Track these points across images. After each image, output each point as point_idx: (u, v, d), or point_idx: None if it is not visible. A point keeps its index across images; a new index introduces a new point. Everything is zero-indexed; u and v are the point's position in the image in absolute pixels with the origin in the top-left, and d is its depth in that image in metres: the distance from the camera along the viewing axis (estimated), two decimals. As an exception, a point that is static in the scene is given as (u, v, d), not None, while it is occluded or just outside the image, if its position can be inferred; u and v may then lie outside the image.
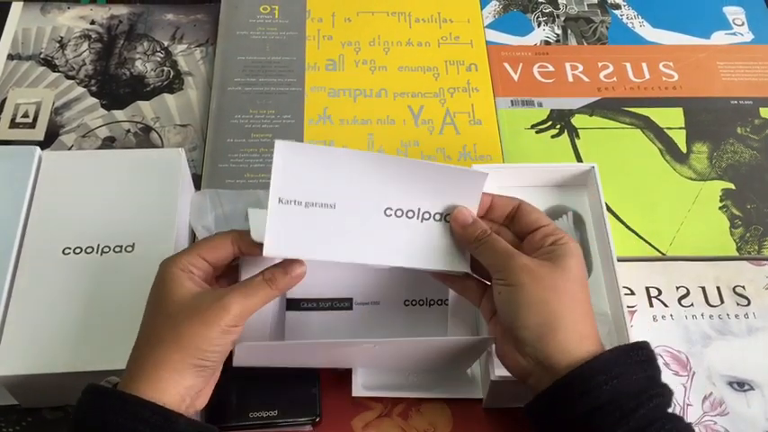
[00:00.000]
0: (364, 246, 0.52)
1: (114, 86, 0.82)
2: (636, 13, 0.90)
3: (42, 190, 0.63)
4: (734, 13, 0.90)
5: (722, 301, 0.68)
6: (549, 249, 0.51)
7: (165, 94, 0.81)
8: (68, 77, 0.82)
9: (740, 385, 0.64)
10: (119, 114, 0.79)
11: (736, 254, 0.71)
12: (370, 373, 0.62)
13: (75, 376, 0.53)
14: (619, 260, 0.63)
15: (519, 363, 0.50)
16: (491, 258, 0.52)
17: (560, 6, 0.91)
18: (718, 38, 0.88)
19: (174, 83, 0.82)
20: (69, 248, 0.60)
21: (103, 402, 0.46)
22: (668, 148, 0.78)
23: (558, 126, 0.79)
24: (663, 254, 0.71)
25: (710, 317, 0.67)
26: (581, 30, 0.89)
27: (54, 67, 0.83)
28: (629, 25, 0.89)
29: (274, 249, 0.48)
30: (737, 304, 0.68)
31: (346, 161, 0.50)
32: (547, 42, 0.87)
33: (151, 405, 0.45)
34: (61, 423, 0.60)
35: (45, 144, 0.76)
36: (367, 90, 0.81)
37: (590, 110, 0.81)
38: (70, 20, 0.87)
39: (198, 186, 0.72)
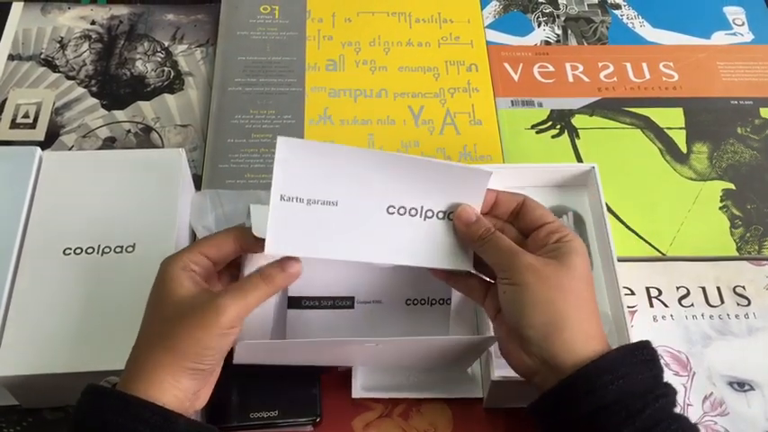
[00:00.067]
0: (366, 244, 0.51)
1: (115, 87, 0.82)
2: (636, 13, 0.90)
3: (43, 190, 0.63)
4: (734, 13, 0.90)
5: (722, 302, 0.68)
6: (553, 247, 0.51)
7: (165, 95, 0.81)
8: (69, 78, 0.82)
9: (740, 385, 0.64)
10: (119, 115, 0.79)
11: (737, 254, 0.71)
12: (370, 374, 0.62)
13: (76, 376, 0.53)
14: (619, 260, 0.64)
15: (524, 362, 0.50)
16: (495, 257, 0.51)
17: (560, 6, 0.91)
18: (719, 38, 0.88)
19: (174, 83, 0.82)
20: (70, 249, 0.60)
21: (103, 402, 0.46)
22: (668, 148, 0.78)
23: (559, 126, 0.79)
24: (663, 254, 0.71)
25: (711, 317, 0.67)
26: (581, 30, 0.89)
27: (54, 68, 0.83)
28: (630, 25, 0.89)
29: (276, 247, 0.48)
30: (738, 304, 0.68)
31: (349, 158, 0.50)
32: (547, 42, 0.87)
33: (151, 405, 0.45)
34: (62, 423, 0.60)
35: (45, 144, 0.76)
36: (367, 90, 0.81)
37: (590, 110, 0.81)
38: (71, 20, 0.87)
39: (198, 187, 0.72)
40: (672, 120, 0.80)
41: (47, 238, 0.60)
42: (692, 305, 0.68)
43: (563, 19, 0.90)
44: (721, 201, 0.75)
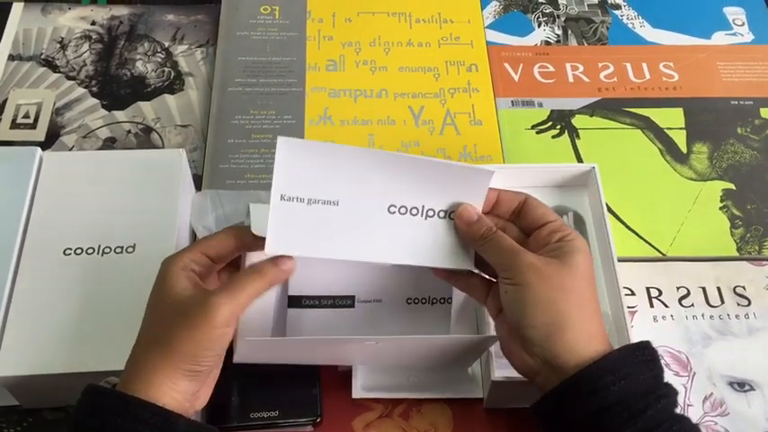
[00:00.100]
0: (367, 243, 0.51)
1: (115, 87, 0.82)
2: (636, 14, 0.90)
3: (43, 191, 0.63)
4: (734, 13, 0.90)
5: (722, 302, 0.68)
6: (555, 246, 0.51)
7: (165, 95, 0.81)
8: (69, 78, 0.82)
9: (740, 385, 0.64)
10: (119, 115, 0.79)
11: (737, 254, 0.71)
12: (370, 374, 0.62)
13: (76, 377, 0.53)
14: (619, 260, 0.64)
15: (526, 361, 0.50)
16: (497, 257, 0.51)
17: (561, 7, 0.91)
18: (719, 38, 0.88)
19: (174, 83, 0.82)
20: (70, 249, 0.60)
21: (103, 403, 0.46)
22: (668, 148, 0.78)
23: (559, 126, 0.79)
24: (663, 254, 0.71)
25: (711, 317, 0.67)
26: (581, 30, 0.89)
27: (55, 68, 0.83)
28: (630, 26, 0.89)
29: (276, 247, 0.48)
30: (738, 304, 0.68)
31: (349, 158, 0.50)
32: (547, 43, 0.87)
33: (151, 406, 0.45)
34: (62, 424, 0.60)
35: (46, 145, 0.76)
36: (367, 90, 0.81)
37: (590, 110, 0.81)
38: (71, 20, 0.87)
39: (198, 187, 0.72)
40: (672, 120, 0.80)
41: (47, 239, 0.60)
42: (693, 305, 0.68)
43: (563, 19, 0.90)
44: (721, 201, 0.75)
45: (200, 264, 0.50)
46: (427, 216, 0.52)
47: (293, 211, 0.49)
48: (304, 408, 0.60)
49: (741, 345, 0.66)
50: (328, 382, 0.62)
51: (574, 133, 0.79)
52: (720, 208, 0.74)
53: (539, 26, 0.89)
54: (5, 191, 0.62)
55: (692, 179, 0.76)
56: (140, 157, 0.67)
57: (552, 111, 0.81)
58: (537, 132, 0.79)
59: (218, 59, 0.83)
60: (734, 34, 0.88)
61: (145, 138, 0.78)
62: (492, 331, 0.55)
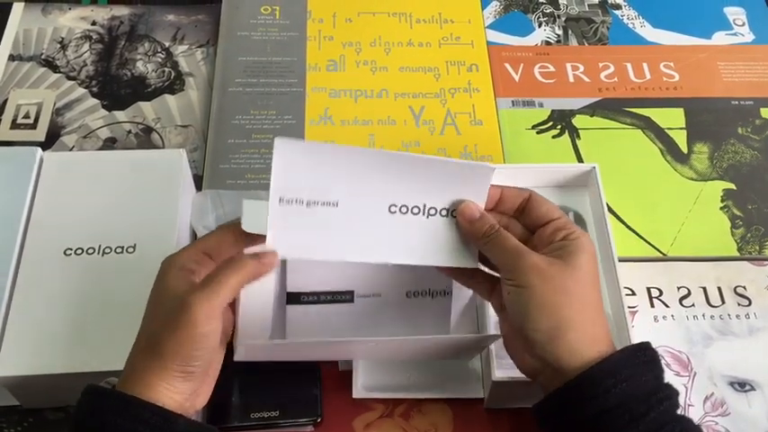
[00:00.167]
0: (369, 244, 0.51)
1: (115, 87, 0.82)
2: (636, 14, 0.90)
3: (43, 191, 0.63)
4: (734, 13, 0.90)
5: (723, 302, 0.68)
6: (559, 245, 0.50)
7: (166, 95, 0.81)
8: (69, 78, 0.82)
9: (741, 385, 0.64)
10: (120, 115, 0.79)
11: (737, 254, 0.71)
12: (371, 374, 0.62)
13: (77, 377, 0.53)
14: (620, 260, 0.64)
15: (528, 361, 0.49)
16: (499, 257, 0.51)
17: (561, 7, 0.91)
18: (719, 38, 0.88)
19: (174, 83, 0.82)
20: (71, 249, 0.60)
21: (102, 403, 0.45)
22: (669, 148, 0.78)
23: (559, 126, 0.79)
24: (664, 254, 0.71)
25: (711, 317, 0.67)
26: (582, 30, 0.89)
27: (55, 68, 0.83)
28: (630, 26, 0.89)
29: (276, 250, 0.48)
30: (738, 304, 0.68)
31: (348, 158, 0.49)
32: (548, 43, 0.87)
33: (151, 406, 0.45)
34: (62, 424, 0.60)
35: (46, 145, 0.76)
36: (368, 90, 0.81)
37: (591, 110, 0.81)
38: (71, 21, 0.87)
39: (199, 187, 0.72)
40: (672, 120, 0.80)
41: (47, 239, 0.60)
42: (693, 305, 0.68)
43: (563, 19, 0.90)
44: (722, 201, 0.75)
45: (200, 262, 0.50)
46: (429, 215, 0.52)
47: (292, 213, 0.48)
48: (304, 407, 0.60)
49: (742, 345, 0.66)
50: (329, 381, 0.62)
51: (574, 133, 0.79)
52: (721, 208, 0.74)
53: (539, 26, 0.89)
54: (6, 191, 0.62)
55: (692, 179, 0.76)
56: (141, 157, 0.67)
57: (553, 111, 0.81)
58: (537, 132, 0.79)
59: (218, 59, 0.83)
60: (734, 34, 0.88)
61: (145, 138, 0.78)
62: (492, 327, 0.55)
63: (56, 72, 0.82)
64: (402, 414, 0.62)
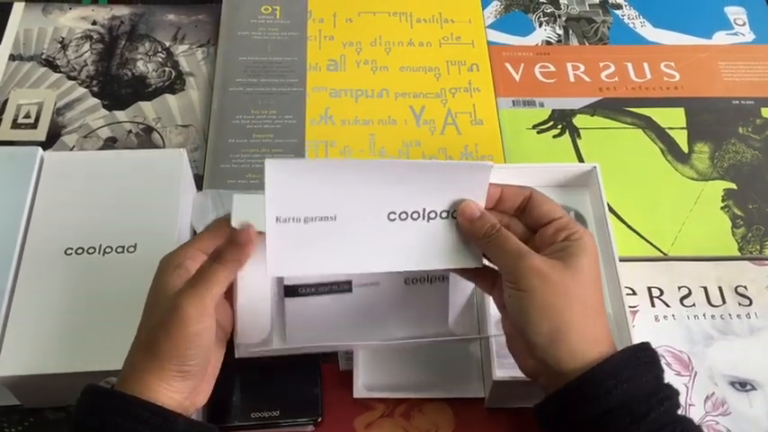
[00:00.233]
0: (371, 254, 0.51)
1: (116, 87, 0.82)
2: (637, 13, 0.90)
3: (44, 190, 0.63)
4: (735, 13, 0.90)
5: (724, 301, 0.68)
6: (561, 246, 0.50)
7: (166, 95, 0.81)
8: (70, 78, 0.82)
9: (742, 385, 0.64)
10: (120, 115, 0.79)
11: (738, 254, 0.71)
12: (372, 373, 0.62)
13: (77, 377, 0.53)
14: (621, 260, 0.64)
15: (530, 363, 0.49)
16: (500, 258, 0.50)
17: (562, 6, 0.91)
18: (720, 38, 0.88)
19: (175, 83, 0.82)
20: (71, 249, 0.60)
21: (102, 403, 0.45)
22: (670, 148, 0.78)
23: (560, 126, 0.79)
24: (665, 254, 0.71)
25: (712, 317, 0.67)
26: (582, 30, 0.89)
27: (56, 68, 0.83)
28: (631, 25, 0.89)
29: (277, 270, 0.48)
30: (739, 304, 0.68)
31: (342, 172, 0.49)
32: (548, 42, 0.87)
33: (150, 406, 0.45)
34: (63, 423, 0.60)
35: (47, 145, 0.76)
36: (368, 90, 0.81)
37: (591, 110, 0.81)
38: (72, 20, 0.87)
39: (199, 187, 0.72)
40: (673, 120, 0.80)
41: (48, 239, 0.60)
42: (694, 305, 0.68)
43: (564, 19, 0.90)
44: (723, 201, 0.75)
45: (197, 260, 0.49)
46: (429, 218, 0.52)
47: (291, 231, 0.48)
48: (305, 407, 0.60)
49: (743, 344, 0.66)
50: (329, 381, 0.62)
51: (575, 133, 0.79)
52: (722, 208, 0.74)
53: (540, 26, 0.89)
54: (6, 191, 0.62)
55: (693, 179, 0.76)
56: (141, 156, 0.67)
57: (553, 110, 0.80)
58: (538, 132, 0.79)
59: (218, 59, 0.83)
60: (735, 34, 0.88)
61: (146, 137, 0.78)
62: (493, 326, 0.55)
63: (56, 72, 0.82)
64: (403, 414, 0.62)
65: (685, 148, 0.78)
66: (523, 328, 0.48)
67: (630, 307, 0.64)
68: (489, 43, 0.86)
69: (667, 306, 0.68)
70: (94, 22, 0.87)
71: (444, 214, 0.52)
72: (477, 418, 0.62)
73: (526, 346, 0.49)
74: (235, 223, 0.48)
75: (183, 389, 0.47)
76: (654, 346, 0.49)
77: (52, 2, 0.88)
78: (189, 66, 0.84)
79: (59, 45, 0.84)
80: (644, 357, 0.48)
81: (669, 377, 0.49)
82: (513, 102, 0.81)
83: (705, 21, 0.89)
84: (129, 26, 0.87)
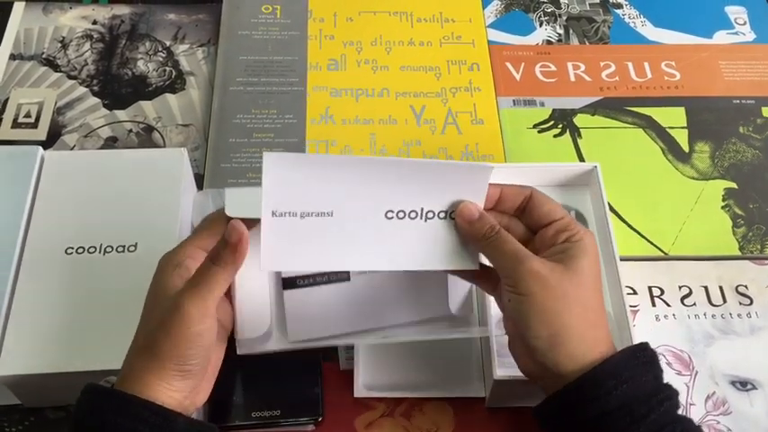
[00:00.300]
0: (367, 252, 0.50)
1: (116, 86, 0.82)
2: (638, 13, 0.90)
3: (45, 190, 0.63)
4: (736, 12, 0.90)
5: (725, 301, 0.68)
6: (561, 248, 0.49)
7: (167, 94, 0.81)
8: (70, 77, 0.82)
9: (743, 384, 0.64)
10: (121, 114, 0.79)
11: (739, 253, 0.71)
12: (372, 373, 0.62)
13: (77, 376, 0.53)
14: (621, 259, 0.63)
15: (530, 365, 0.49)
16: (499, 261, 0.50)
17: (562, 6, 0.91)
18: (720, 37, 0.88)
19: (176, 83, 0.82)
20: (72, 248, 0.60)
21: (102, 402, 0.45)
22: (670, 147, 0.78)
23: (561, 125, 0.79)
24: (665, 253, 0.71)
25: (713, 316, 0.67)
26: (583, 29, 0.89)
27: (56, 67, 0.83)
28: (631, 25, 0.89)
29: (271, 264, 0.48)
30: (740, 303, 0.68)
31: (340, 168, 0.48)
32: (549, 42, 0.87)
33: (150, 405, 0.45)
34: (64, 423, 0.60)
35: (47, 144, 0.76)
36: (369, 90, 0.81)
37: (592, 109, 0.81)
38: (72, 20, 0.87)
39: (200, 186, 0.72)
40: (674, 119, 0.80)
41: (49, 238, 0.60)
42: (695, 304, 0.68)
43: (564, 18, 0.90)
44: (723, 200, 0.75)
45: (196, 257, 0.49)
46: (427, 218, 0.51)
47: (286, 226, 0.48)
48: (305, 407, 0.60)
49: (743, 344, 0.66)
50: (330, 380, 0.62)
51: (576, 132, 0.79)
52: (722, 207, 0.74)
53: (540, 25, 0.89)
54: (7, 190, 0.62)
55: (693, 178, 0.76)
56: (142, 156, 0.67)
57: (554, 110, 0.80)
58: (539, 131, 0.79)
59: (219, 59, 0.83)
60: (736, 33, 0.88)
61: (146, 137, 0.78)
62: (494, 326, 0.55)
63: (57, 71, 0.82)
64: (403, 413, 0.62)
65: (686, 148, 0.78)
66: (523, 332, 0.48)
67: (631, 306, 0.64)
68: (490, 43, 0.86)
69: (668, 305, 0.68)
70: (95, 22, 0.87)
71: (442, 215, 0.51)
72: (478, 417, 0.62)
73: (526, 350, 0.49)
74: (228, 212, 0.47)
75: (183, 388, 0.46)
76: (654, 346, 0.49)
77: (53, 1, 0.88)
78: (189, 65, 0.84)
79: (60, 44, 0.84)
80: (643, 357, 0.48)
81: (670, 377, 0.49)
82: (514, 101, 0.81)
83: (706, 20, 0.89)
84: (130, 25, 0.87)
